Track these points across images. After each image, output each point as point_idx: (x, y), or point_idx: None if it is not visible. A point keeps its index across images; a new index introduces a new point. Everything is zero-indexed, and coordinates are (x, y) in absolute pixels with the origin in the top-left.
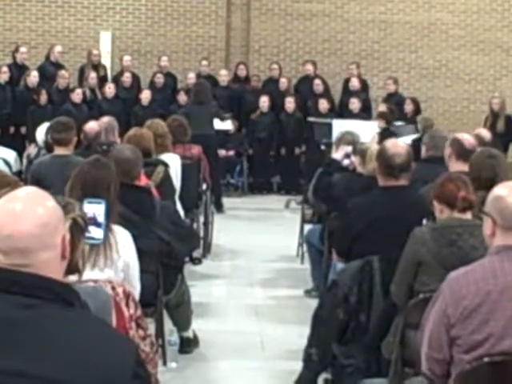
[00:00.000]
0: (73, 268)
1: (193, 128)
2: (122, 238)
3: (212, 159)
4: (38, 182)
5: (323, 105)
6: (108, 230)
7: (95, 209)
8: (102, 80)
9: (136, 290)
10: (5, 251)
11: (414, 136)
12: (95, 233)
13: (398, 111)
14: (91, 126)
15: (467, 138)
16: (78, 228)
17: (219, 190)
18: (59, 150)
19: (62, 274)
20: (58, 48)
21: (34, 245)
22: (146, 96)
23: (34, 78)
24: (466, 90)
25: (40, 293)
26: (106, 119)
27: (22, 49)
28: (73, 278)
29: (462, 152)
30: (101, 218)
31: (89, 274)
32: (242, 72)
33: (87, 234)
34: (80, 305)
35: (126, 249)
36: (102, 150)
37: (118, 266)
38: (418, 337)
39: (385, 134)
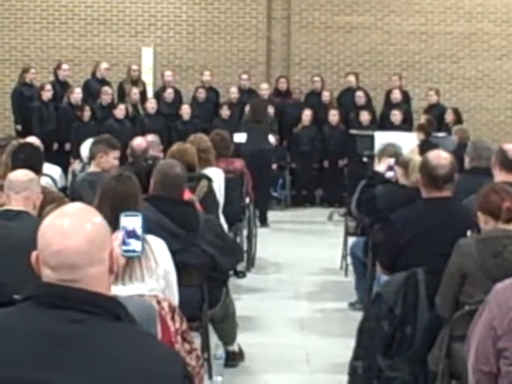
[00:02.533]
0: None
1: (249, 143)
2: (158, 247)
3: (266, 173)
4: (74, 198)
5: (364, 117)
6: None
7: (133, 222)
8: (142, 96)
9: (176, 297)
10: (53, 267)
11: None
12: (135, 245)
13: (438, 122)
14: (138, 142)
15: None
16: None
17: (266, 204)
18: (94, 167)
19: (110, 287)
20: (104, 65)
21: (82, 260)
22: (186, 111)
23: (77, 94)
24: (508, 100)
25: (88, 307)
26: (150, 137)
27: (64, 66)
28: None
29: (506, 162)
30: (139, 231)
31: (131, 287)
32: (282, 86)
33: (128, 247)
34: (127, 319)
35: (164, 256)
36: (146, 165)
37: (159, 274)
38: (465, 349)
39: (424, 146)
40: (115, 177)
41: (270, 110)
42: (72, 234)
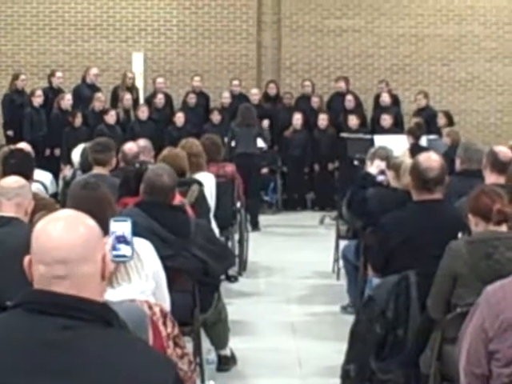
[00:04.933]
0: None
1: (238, 147)
2: (143, 247)
3: (254, 176)
4: (66, 205)
5: (353, 121)
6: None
7: (123, 227)
8: (135, 102)
9: (167, 299)
10: (47, 262)
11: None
12: (125, 250)
13: (427, 125)
14: (130, 146)
15: (503, 150)
16: None
17: (257, 208)
18: (96, 170)
19: (102, 295)
20: (94, 70)
21: (75, 255)
22: (180, 119)
23: (67, 101)
24: (499, 102)
25: (79, 313)
26: (142, 142)
27: (58, 73)
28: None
29: (496, 164)
30: (129, 236)
31: (120, 289)
32: (272, 91)
33: (118, 253)
34: (119, 324)
35: (150, 257)
36: (134, 169)
37: (147, 274)
38: (456, 351)
39: (415, 150)
40: (83, 186)
41: (265, 122)
42: (66, 233)
